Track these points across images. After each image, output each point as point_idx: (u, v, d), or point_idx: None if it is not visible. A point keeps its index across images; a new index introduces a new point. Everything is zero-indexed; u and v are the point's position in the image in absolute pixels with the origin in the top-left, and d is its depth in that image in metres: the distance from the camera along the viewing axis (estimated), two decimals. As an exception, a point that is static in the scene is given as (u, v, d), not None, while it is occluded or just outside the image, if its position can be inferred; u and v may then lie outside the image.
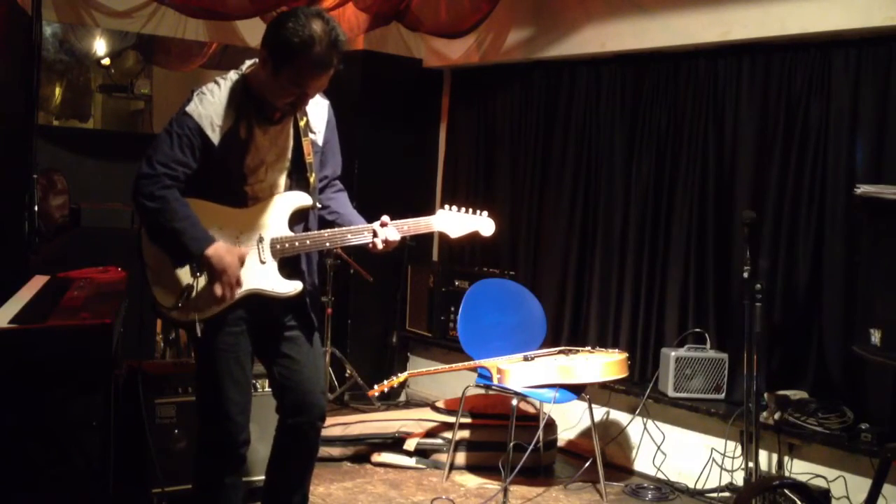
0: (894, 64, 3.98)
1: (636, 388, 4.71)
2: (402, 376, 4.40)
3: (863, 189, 3.20)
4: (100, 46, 5.92)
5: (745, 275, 3.88)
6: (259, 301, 2.90)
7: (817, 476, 4.04)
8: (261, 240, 2.89)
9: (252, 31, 5.39)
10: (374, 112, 5.88)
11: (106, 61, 6.23)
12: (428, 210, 6.07)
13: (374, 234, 2.95)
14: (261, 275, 2.88)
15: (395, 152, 5.96)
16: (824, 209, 4.19)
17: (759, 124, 4.44)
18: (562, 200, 5.29)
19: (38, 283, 3.51)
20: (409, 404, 5.65)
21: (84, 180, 5.08)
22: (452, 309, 5.59)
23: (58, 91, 6.16)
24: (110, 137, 6.13)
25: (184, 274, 2.83)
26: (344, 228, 3.00)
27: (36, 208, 4.34)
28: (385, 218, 2.98)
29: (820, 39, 4.17)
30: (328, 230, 2.99)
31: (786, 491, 3.78)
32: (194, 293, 2.83)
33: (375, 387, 4.36)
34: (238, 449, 2.97)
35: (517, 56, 5.48)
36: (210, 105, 2.77)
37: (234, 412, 2.92)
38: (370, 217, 3.09)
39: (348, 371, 5.57)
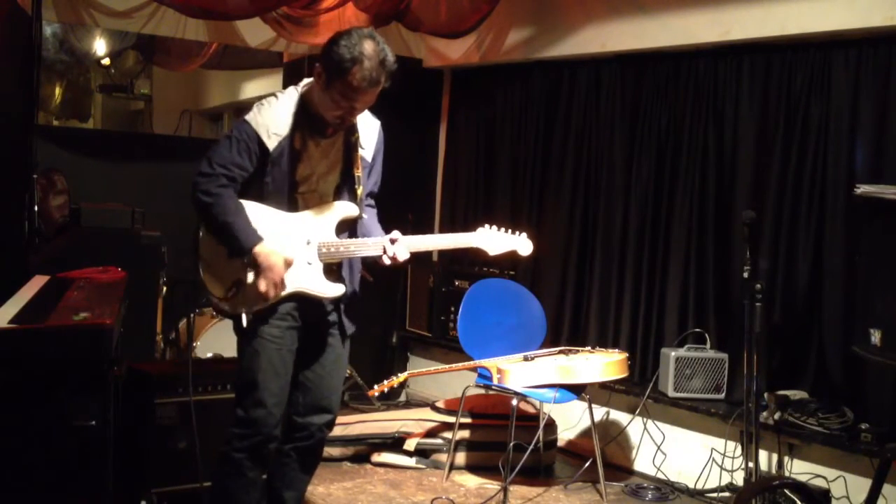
0: (894, 64, 3.97)
1: (636, 388, 4.71)
2: (402, 376, 4.40)
3: (863, 189, 3.20)
4: (100, 46, 5.93)
5: (745, 275, 3.88)
6: (305, 301, 3.04)
7: (817, 476, 4.04)
8: (308, 243, 3.04)
9: (252, 31, 5.38)
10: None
11: (106, 61, 6.23)
12: (428, 209, 6.13)
13: (384, 250, 3.06)
14: (307, 276, 3.03)
15: (394, 152, 5.91)
16: (824, 209, 4.19)
17: (759, 124, 4.44)
18: (562, 200, 5.29)
19: (38, 283, 3.51)
20: (409, 404, 5.65)
21: (84, 180, 5.07)
22: (452, 309, 5.59)
23: (58, 91, 6.16)
24: (110, 137, 6.13)
25: (235, 268, 2.98)
26: (376, 237, 3.11)
27: (36, 208, 4.34)
28: (395, 234, 3.09)
29: (820, 39, 4.17)
30: (371, 238, 3.11)
31: (786, 491, 3.78)
32: (244, 287, 2.98)
33: (375, 387, 4.36)
34: (267, 442, 3.04)
35: (517, 56, 5.48)
36: (267, 114, 2.97)
37: (270, 402, 3.00)
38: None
39: (348, 371, 5.57)
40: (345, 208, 3.11)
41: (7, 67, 4.22)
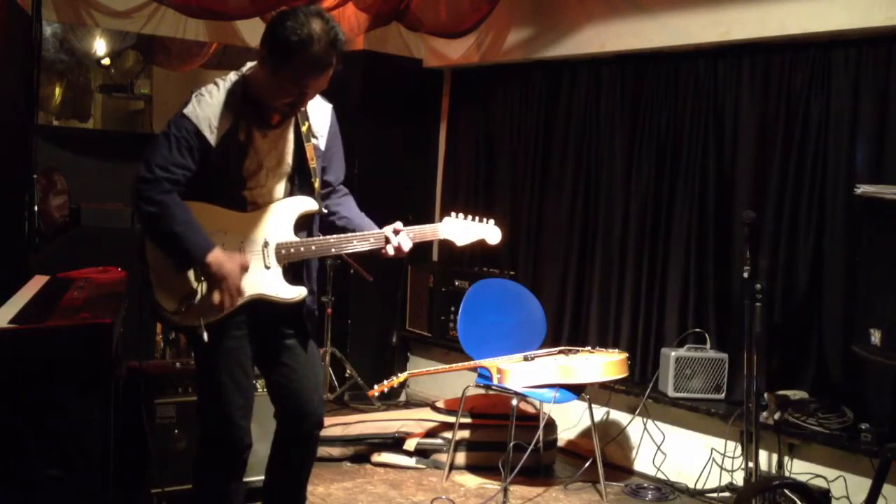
0: (894, 64, 3.98)
1: (636, 388, 4.71)
2: (402, 376, 4.40)
3: (863, 189, 3.20)
4: (100, 46, 5.92)
5: (745, 275, 3.88)
6: (261, 306, 2.89)
7: (817, 476, 4.04)
8: (266, 245, 2.87)
9: (252, 31, 5.39)
10: (374, 112, 5.88)
11: (106, 61, 6.22)
12: (427, 210, 6.13)
13: (386, 241, 2.94)
14: (265, 280, 2.86)
15: (395, 152, 5.96)
16: (824, 209, 4.19)
17: (759, 124, 4.44)
18: (562, 200, 5.29)
19: (38, 283, 3.51)
20: (409, 404, 5.65)
21: (84, 180, 5.08)
22: (452, 309, 5.59)
23: (58, 91, 6.15)
24: (110, 137, 6.13)
25: (187, 279, 2.80)
26: (351, 234, 2.97)
27: (36, 208, 4.34)
28: (398, 224, 2.96)
29: (820, 39, 4.17)
30: (334, 236, 2.95)
31: (786, 491, 3.78)
32: (197, 298, 2.80)
33: (375, 387, 4.36)
34: (241, 454, 2.95)
35: (517, 56, 5.48)
36: (208, 107, 2.73)
37: (237, 416, 2.90)
38: (373, 218, 3.09)
39: (348, 371, 5.57)
40: (302, 204, 2.91)
41: (7, 67, 4.22)
